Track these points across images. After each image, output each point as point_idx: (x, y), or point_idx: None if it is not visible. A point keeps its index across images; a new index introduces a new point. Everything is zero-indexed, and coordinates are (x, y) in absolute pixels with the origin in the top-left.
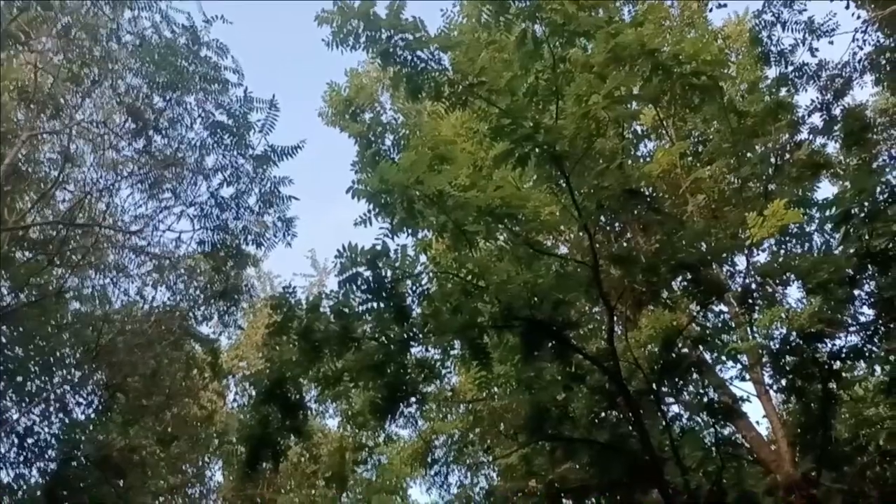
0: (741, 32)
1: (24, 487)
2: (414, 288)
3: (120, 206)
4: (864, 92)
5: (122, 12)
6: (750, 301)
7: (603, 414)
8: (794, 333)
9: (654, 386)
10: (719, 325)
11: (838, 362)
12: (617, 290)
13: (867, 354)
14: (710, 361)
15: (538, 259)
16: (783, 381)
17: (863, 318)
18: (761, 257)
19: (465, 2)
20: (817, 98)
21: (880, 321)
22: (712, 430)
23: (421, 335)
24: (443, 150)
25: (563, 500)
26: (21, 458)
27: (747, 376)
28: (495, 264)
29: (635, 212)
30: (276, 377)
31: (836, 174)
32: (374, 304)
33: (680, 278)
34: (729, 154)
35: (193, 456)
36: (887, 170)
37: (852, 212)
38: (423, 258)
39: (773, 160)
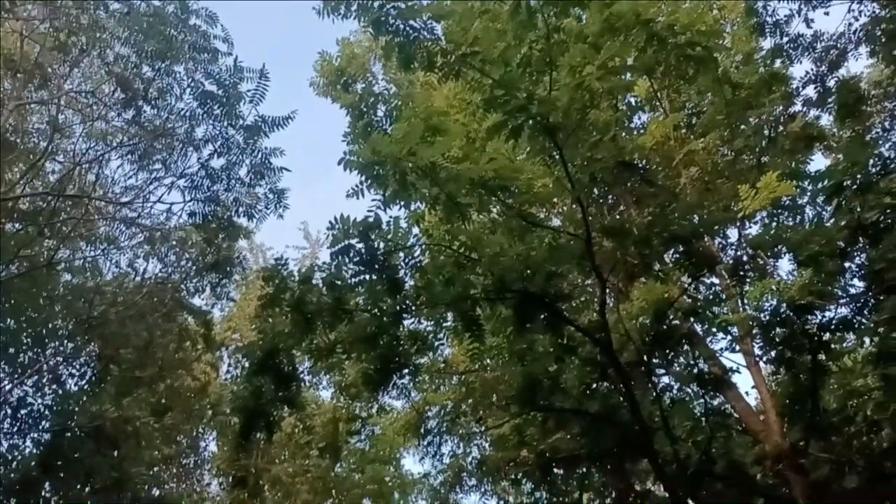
0: (736, 3)
1: (19, 458)
2: (406, 260)
3: (110, 177)
4: (859, 64)
5: None
6: (741, 273)
7: (594, 385)
8: (784, 305)
9: (644, 357)
10: (710, 297)
11: (828, 334)
12: (609, 262)
13: (856, 326)
14: (700, 333)
15: (531, 231)
16: (773, 353)
17: (853, 291)
18: (753, 230)
19: None
20: (812, 70)
21: (870, 293)
22: (702, 400)
23: (413, 307)
24: (435, 121)
25: (554, 470)
26: (15, 429)
27: (737, 347)
28: (488, 236)
29: (628, 184)
30: (269, 349)
31: (830, 147)
32: (367, 276)
33: (672, 251)
34: (723, 126)
35: (187, 427)
36: (880, 142)
37: (844, 184)
38: (415, 230)
39: (766, 132)
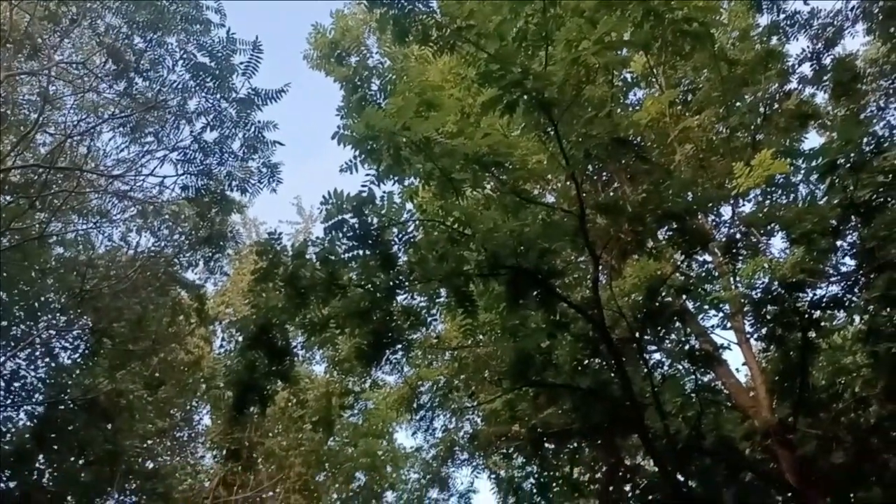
0: None
1: (13, 430)
2: (400, 235)
3: (101, 149)
4: (856, 41)
5: None
6: (734, 251)
7: (586, 361)
8: (776, 283)
9: (636, 334)
10: (703, 274)
11: (818, 311)
12: (602, 239)
13: (847, 304)
14: (692, 310)
15: (525, 207)
16: (764, 330)
17: (844, 269)
18: (747, 207)
19: None
20: (808, 47)
21: (861, 271)
22: (692, 376)
23: (407, 283)
24: (430, 95)
25: (546, 444)
26: (8, 402)
27: (729, 325)
28: (482, 212)
29: (623, 161)
30: (262, 323)
31: (824, 125)
32: (360, 252)
33: (665, 228)
34: (718, 103)
35: (181, 400)
36: (875, 121)
37: (838, 162)
38: (409, 205)
39: (761, 110)
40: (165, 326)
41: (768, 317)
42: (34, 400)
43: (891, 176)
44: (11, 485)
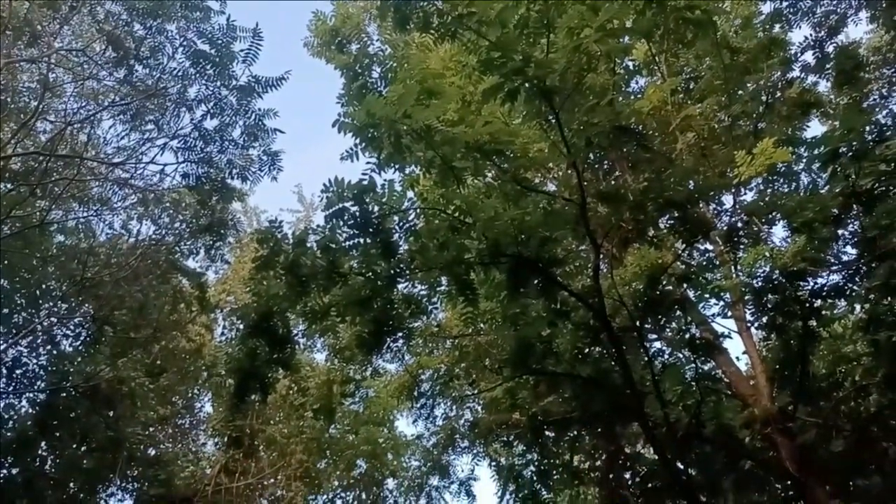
0: None
1: (15, 417)
2: (401, 223)
3: (102, 137)
4: (859, 29)
5: None
6: (735, 239)
7: (586, 349)
8: (777, 272)
9: (637, 322)
10: (704, 263)
11: (819, 300)
12: (603, 227)
13: (848, 293)
14: (693, 299)
15: (526, 196)
16: (764, 319)
17: (845, 258)
18: (748, 196)
19: None
20: (811, 35)
21: (862, 260)
22: (693, 365)
23: (408, 271)
24: (431, 83)
25: (546, 432)
26: (10, 389)
27: (729, 313)
28: (483, 201)
29: (624, 149)
30: (264, 311)
31: (826, 113)
32: (361, 240)
33: (667, 216)
34: (720, 91)
35: (182, 388)
36: (877, 109)
37: (840, 151)
38: (410, 194)
39: (764, 98)
40: (167, 314)
41: (769, 305)
42: (36, 387)
43: (893, 164)
44: (14, 471)
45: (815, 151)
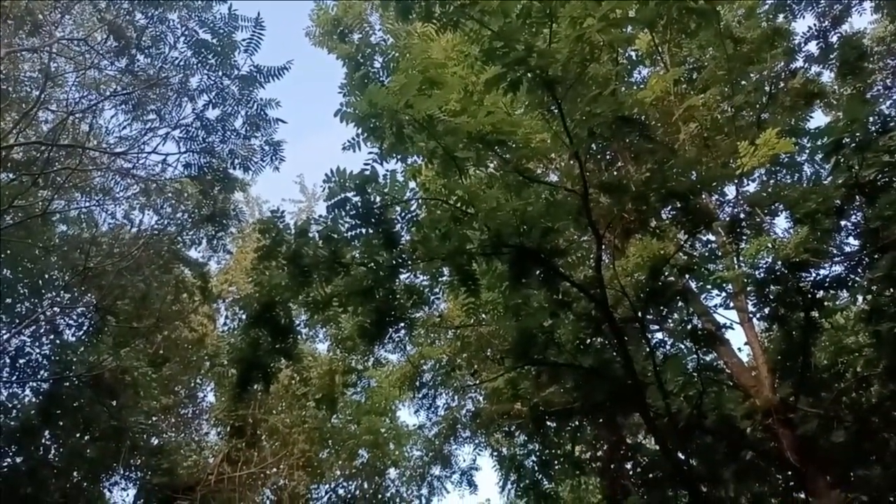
0: None
1: (19, 406)
2: (403, 214)
3: (104, 126)
4: (863, 19)
5: None
6: (738, 230)
7: (588, 340)
8: (779, 263)
9: (639, 313)
10: (706, 253)
11: (821, 291)
12: (606, 218)
13: (850, 284)
14: (695, 290)
15: (528, 186)
16: (766, 310)
17: (848, 249)
18: (751, 187)
19: None
20: (814, 25)
21: (864, 251)
22: (694, 356)
23: (409, 261)
24: (433, 73)
25: (547, 422)
26: (14, 378)
27: (731, 304)
28: (485, 191)
29: (627, 139)
30: (266, 301)
31: (830, 104)
32: (363, 230)
33: (669, 207)
34: (723, 81)
35: (185, 377)
36: (881, 100)
37: (843, 142)
38: (412, 184)
39: (767, 88)
40: (169, 304)
41: (771, 296)
42: (39, 377)
43: None
44: (18, 460)
45: (818, 142)
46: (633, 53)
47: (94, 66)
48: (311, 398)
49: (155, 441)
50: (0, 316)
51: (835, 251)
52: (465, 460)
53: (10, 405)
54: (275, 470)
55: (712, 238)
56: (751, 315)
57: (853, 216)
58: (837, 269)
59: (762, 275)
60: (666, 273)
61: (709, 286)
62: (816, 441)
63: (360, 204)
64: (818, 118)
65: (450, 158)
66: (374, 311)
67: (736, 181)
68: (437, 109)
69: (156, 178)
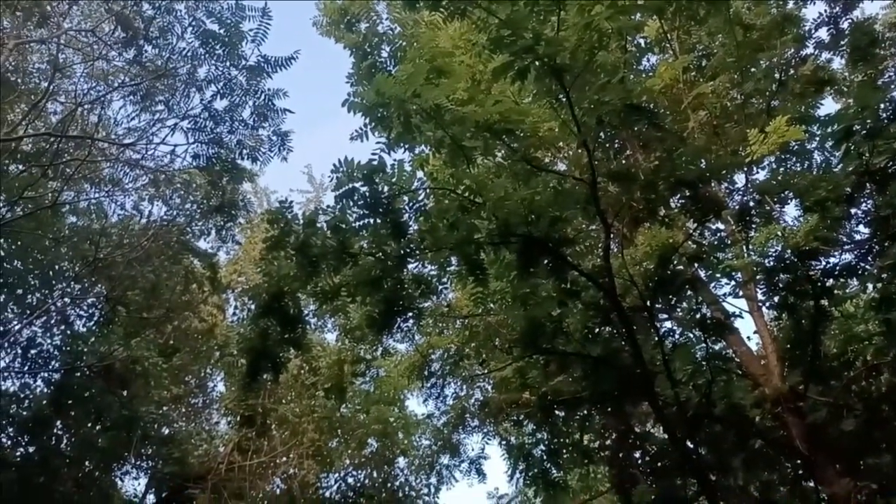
0: None
1: (31, 396)
2: (411, 204)
3: (112, 118)
4: (875, 5)
5: None
6: (747, 219)
7: (597, 329)
8: (789, 251)
9: (647, 302)
10: (716, 242)
11: (831, 280)
12: (614, 207)
13: (860, 272)
14: (704, 278)
15: (536, 175)
16: (776, 298)
17: (858, 237)
18: (761, 175)
19: None
20: (825, 11)
21: (875, 239)
22: (704, 344)
23: (418, 251)
24: (440, 62)
25: (556, 412)
26: (25, 369)
27: (741, 293)
28: (493, 180)
29: (635, 128)
30: (275, 291)
31: (840, 91)
32: (371, 220)
33: (678, 195)
34: (733, 69)
35: (195, 367)
36: (892, 86)
37: (854, 129)
38: (420, 174)
39: (777, 75)
40: (179, 294)
41: (780, 285)
42: (50, 367)
43: None
44: (31, 450)
45: (829, 129)
46: (641, 41)
47: (102, 58)
48: (320, 388)
49: (166, 431)
50: (11, 307)
51: (845, 239)
52: (473, 449)
53: (21, 395)
54: (285, 459)
55: (721, 226)
56: (760, 304)
57: (863, 204)
58: (847, 257)
59: (772, 263)
60: (675, 262)
61: (718, 275)
62: (826, 429)
63: (367, 194)
64: (829, 105)
65: (457, 148)
66: (383, 300)
67: (745, 169)
68: (444, 98)
69: (164, 169)
